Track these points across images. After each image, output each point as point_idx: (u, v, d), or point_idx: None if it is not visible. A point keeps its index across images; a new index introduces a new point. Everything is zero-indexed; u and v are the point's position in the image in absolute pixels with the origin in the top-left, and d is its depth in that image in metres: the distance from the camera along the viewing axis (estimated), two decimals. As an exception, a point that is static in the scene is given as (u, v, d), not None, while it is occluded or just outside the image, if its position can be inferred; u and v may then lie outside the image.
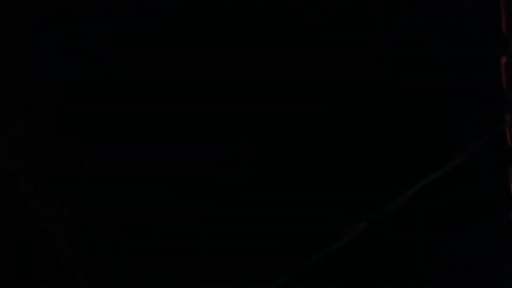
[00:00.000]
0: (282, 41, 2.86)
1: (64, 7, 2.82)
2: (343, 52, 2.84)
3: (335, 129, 2.87)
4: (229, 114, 2.85)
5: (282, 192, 2.84)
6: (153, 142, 2.86)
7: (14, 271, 2.72)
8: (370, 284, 2.81)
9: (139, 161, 2.85)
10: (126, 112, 2.85)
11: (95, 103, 2.84)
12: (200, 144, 2.85)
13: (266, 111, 2.86)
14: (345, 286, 2.81)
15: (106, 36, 2.80)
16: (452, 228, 2.84)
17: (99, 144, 2.85)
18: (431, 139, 2.87)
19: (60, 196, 2.79)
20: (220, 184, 2.83)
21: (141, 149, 2.86)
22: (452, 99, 2.88)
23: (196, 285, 2.77)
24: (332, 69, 2.86)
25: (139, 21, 2.85)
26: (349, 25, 2.84)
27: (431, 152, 2.85)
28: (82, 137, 2.84)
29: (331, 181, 2.85)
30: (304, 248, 2.80)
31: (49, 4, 2.82)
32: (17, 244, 2.73)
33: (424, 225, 2.85)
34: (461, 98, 2.88)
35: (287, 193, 2.84)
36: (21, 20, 2.83)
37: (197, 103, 2.89)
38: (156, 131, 2.87)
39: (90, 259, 2.76)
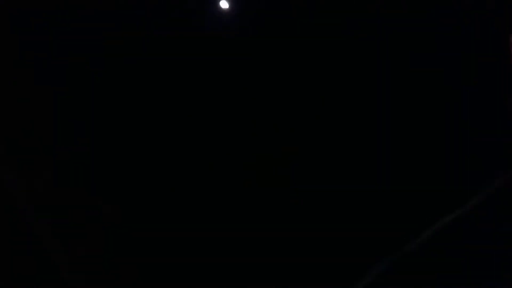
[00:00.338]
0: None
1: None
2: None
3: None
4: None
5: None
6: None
7: (12, 272, 2.74)
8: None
9: (139, 161, 2.86)
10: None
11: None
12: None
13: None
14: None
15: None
16: (471, 262, 2.84)
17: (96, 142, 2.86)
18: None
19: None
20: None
21: (143, 149, 2.87)
22: (470, 144, 2.90)
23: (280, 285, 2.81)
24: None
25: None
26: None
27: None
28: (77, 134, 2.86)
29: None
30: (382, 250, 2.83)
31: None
32: (12, 245, 2.76)
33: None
34: (478, 143, 2.89)
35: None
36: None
37: (197, 104, 2.89)
38: (157, 132, 2.88)
39: (84, 259, 2.79)
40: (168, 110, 2.89)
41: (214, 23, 2.89)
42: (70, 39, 2.82)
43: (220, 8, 2.88)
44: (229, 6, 2.88)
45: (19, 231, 2.72)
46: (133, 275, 2.80)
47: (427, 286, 2.71)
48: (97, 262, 2.76)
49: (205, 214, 2.86)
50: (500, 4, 2.87)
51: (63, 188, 2.80)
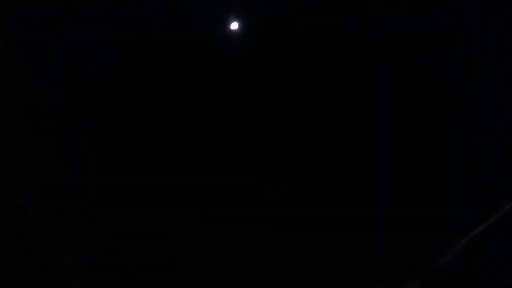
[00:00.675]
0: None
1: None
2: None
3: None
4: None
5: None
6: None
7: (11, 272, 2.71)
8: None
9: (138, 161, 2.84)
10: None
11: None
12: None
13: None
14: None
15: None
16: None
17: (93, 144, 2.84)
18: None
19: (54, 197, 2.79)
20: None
21: (141, 150, 2.85)
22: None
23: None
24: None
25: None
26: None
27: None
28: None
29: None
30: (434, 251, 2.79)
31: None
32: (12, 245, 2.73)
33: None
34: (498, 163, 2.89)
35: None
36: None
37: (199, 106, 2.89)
38: (156, 132, 2.86)
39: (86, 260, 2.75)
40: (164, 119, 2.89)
41: (224, 44, 2.90)
42: (70, 39, 2.84)
43: (230, 29, 2.89)
44: (239, 28, 2.89)
45: (18, 229, 2.70)
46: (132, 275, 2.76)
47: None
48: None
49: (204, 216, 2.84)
50: (500, 4, 2.89)
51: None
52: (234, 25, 2.89)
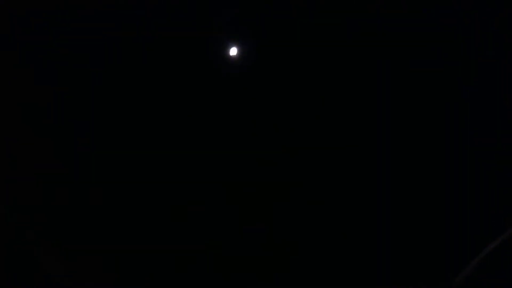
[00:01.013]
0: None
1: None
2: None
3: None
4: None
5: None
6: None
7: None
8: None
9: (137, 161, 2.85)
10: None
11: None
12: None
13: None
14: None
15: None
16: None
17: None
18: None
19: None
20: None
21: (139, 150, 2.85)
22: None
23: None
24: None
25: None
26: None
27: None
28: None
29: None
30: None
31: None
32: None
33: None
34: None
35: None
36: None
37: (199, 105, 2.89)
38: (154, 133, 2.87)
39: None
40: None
41: (223, 70, 2.90)
42: (70, 39, 2.84)
43: (229, 55, 2.89)
44: (238, 54, 2.89)
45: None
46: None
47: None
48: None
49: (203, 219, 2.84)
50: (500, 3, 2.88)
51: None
52: (233, 51, 2.89)
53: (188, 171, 2.83)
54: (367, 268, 2.79)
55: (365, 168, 2.86)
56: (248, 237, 2.81)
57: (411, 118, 2.90)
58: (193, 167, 2.82)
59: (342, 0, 2.87)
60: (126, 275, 2.77)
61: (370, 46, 2.87)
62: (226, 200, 2.82)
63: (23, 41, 2.82)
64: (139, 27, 2.82)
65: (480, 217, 2.82)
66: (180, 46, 2.83)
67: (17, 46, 2.82)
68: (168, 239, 2.78)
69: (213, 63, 2.86)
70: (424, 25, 2.89)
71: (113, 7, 2.82)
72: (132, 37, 2.81)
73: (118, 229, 2.79)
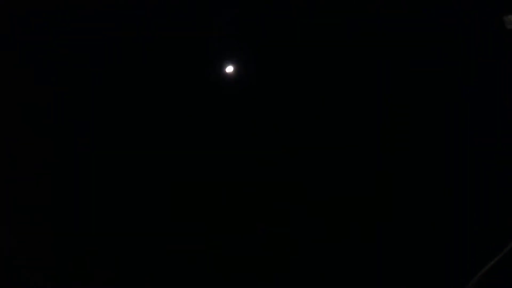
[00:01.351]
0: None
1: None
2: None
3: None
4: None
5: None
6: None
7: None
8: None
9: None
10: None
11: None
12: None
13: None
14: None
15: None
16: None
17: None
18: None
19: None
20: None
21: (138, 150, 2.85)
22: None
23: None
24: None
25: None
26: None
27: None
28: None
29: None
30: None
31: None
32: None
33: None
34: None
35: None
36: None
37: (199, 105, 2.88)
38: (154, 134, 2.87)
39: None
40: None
41: (223, 70, 2.90)
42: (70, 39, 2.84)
43: (225, 73, 2.88)
44: (234, 71, 2.88)
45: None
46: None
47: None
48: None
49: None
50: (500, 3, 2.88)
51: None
52: (229, 69, 2.88)
53: (188, 171, 2.83)
54: (367, 268, 2.79)
55: (365, 168, 2.86)
56: (248, 237, 2.81)
57: (411, 118, 2.90)
58: (193, 167, 2.82)
59: (342, 0, 2.88)
60: (126, 275, 2.77)
61: (370, 46, 2.87)
62: (226, 200, 2.82)
63: (23, 41, 2.82)
64: (139, 27, 2.82)
65: (480, 217, 2.82)
66: (180, 46, 2.84)
67: (17, 46, 2.82)
68: (168, 239, 2.78)
69: (213, 63, 2.86)
70: (424, 25, 2.89)
71: (113, 7, 2.83)
72: (132, 37, 2.81)
73: (118, 229, 2.79)
